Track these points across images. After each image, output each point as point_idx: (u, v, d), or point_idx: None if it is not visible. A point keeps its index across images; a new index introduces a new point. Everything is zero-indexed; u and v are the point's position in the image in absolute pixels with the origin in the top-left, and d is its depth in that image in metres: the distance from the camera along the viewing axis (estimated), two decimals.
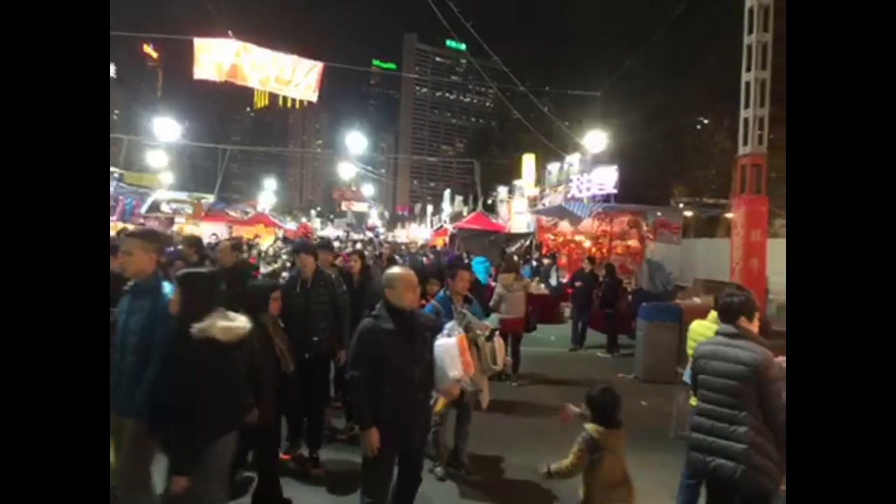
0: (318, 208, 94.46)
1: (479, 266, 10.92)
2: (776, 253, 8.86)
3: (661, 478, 4.32)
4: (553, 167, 22.81)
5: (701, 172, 26.95)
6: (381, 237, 38.18)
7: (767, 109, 8.27)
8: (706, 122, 27.42)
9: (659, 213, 13.71)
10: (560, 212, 15.19)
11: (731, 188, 11.10)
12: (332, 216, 79.21)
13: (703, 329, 4.32)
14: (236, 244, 6.26)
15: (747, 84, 8.33)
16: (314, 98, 14.49)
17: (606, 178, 15.51)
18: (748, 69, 8.30)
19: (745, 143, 8.35)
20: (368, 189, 79.86)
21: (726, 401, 2.87)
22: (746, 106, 8.33)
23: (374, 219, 75.51)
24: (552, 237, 16.19)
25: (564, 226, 15.42)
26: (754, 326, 3.03)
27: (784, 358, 2.24)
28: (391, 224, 73.93)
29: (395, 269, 3.39)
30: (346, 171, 49.05)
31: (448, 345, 3.30)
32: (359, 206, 68.49)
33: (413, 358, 3.14)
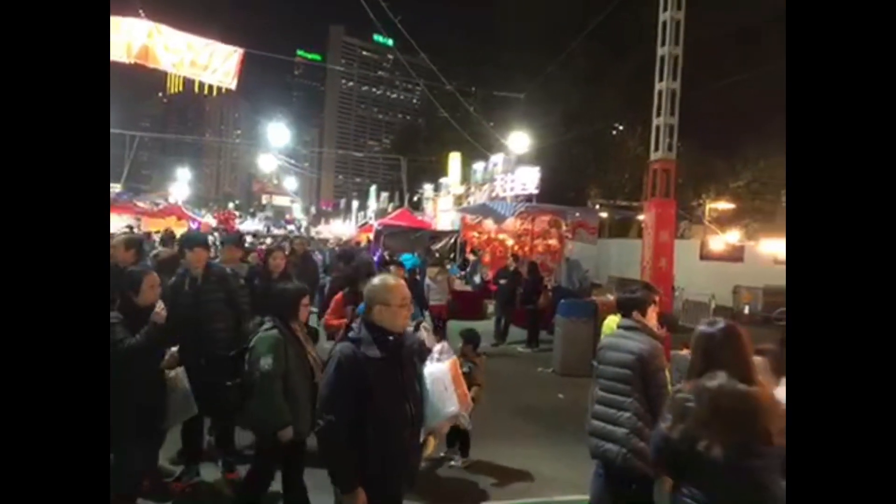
0: (237, 201, 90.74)
1: (406, 263, 10.92)
2: (682, 253, 9.56)
3: (580, 467, 4.41)
4: (478, 166, 23.20)
5: (616, 176, 28.37)
6: (300, 232, 37.18)
7: (677, 118, 8.82)
8: (621, 128, 28.90)
9: (577, 214, 14.31)
10: (484, 210, 15.48)
11: (643, 191, 11.77)
12: (251, 209, 76.26)
13: (614, 324, 4.55)
14: (131, 240, 5.17)
15: (659, 93, 8.84)
16: (232, 85, 13.82)
17: (529, 179, 15.97)
18: (660, 79, 8.81)
19: (657, 149, 8.86)
20: (291, 183, 77.57)
21: (616, 388, 3.06)
22: (658, 114, 8.84)
23: (297, 213, 73.42)
24: (476, 235, 16.46)
25: (488, 224, 15.72)
26: (650, 320, 3.23)
27: (689, 351, 2.36)
28: (315, 219, 72.27)
29: (386, 280, 2.60)
30: (266, 163, 47.41)
31: (440, 373, 2.77)
32: (280, 200, 66.43)
33: (403, 392, 2.49)
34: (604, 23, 16.51)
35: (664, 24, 8.72)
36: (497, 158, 20.91)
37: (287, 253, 7.19)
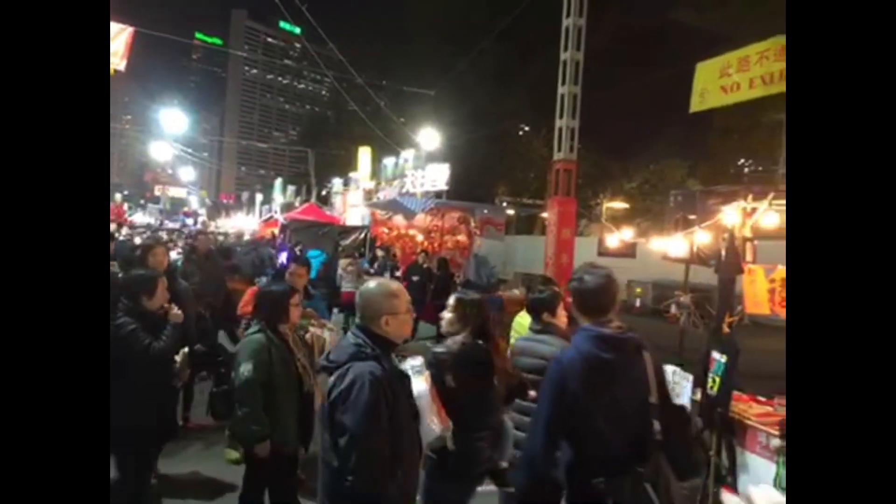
0: (126, 192, 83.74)
1: (315, 260, 10.69)
2: (582, 249, 10.06)
3: None
4: (389, 161, 23.07)
5: (522, 175, 29.34)
6: (199, 226, 35.06)
7: (578, 121, 9.28)
8: (527, 128, 29.93)
9: (485, 211, 14.65)
10: (395, 206, 15.43)
11: (547, 190, 12.27)
12: (143, 201, 70.77)
13: (523, 320, 4.67)
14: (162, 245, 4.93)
15: (562, 96, 9.25)
16: (121, 66, 12.72)
17: (439, 175, 16.12)
18: (563, 83, 9.21)
19: (559, 150, 9.27)
20: (188, 173, 72.89)
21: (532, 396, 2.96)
22: (560, 116, 9.25)
23: (194, 206, 69.18)
24: (386, 231, 16.37)
25: (399, 220, 15.69)
26: (560, 320, 3.21)
27: None
28: (214, 212, 68.36)
29: (387, 285, 2.27)
30: (160, 151, 44.20)
31: (423, 391, 2.43)
32: (175, 192, 62.20)
33: (413, 411, 2.22)
34: (513, 25, 16.98)
35: (567, 29, 9.12)
36: (408, 154, 20.91)
37: (190, 250, 6.58)
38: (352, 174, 26.68)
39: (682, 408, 2.56)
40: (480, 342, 2.87)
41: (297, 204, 29.18)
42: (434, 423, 2.34)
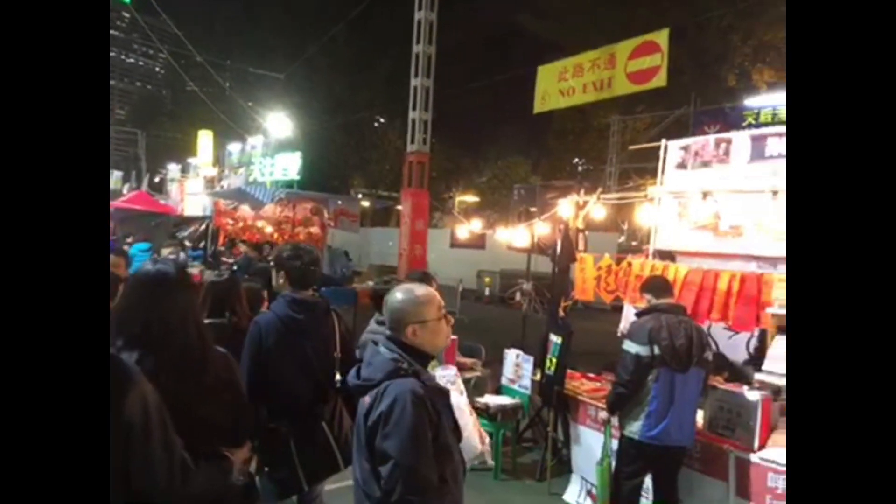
0: None
1: (143, 254, 9.59)
2: (435, 241, 10.35)
3: None
4: (234, 147, 21.50)
5: (378, 166, 29.28)
6: None
7: (430, 114, 9.43)
8: (383, 120, 29.89)
9: (339, 202, 14.31)
10: (241, 195, 14.45)
11: (402, 182, 12.37)
12: None
13: None
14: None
15: (415, 89, 9.34)
16: None
17: (290, 164, 15.41)
18: (416, 75, 9.30)
19: (412, 142, 9.36)
20: None
21: None
22: (414, 108, 9.34)
23: None
24: (231, 222, 15.28)
25: (245, 210, 14.73)
26: None
27: None
28: None
29: (412, 292, 2.01)
30: None
31: (461, 402, 2.24)
32: None
33: (455, 427, 1.99)
34: (368, 14, 16.75)
35: (419, 22, 9.21)
36: (255, 141, 19.68)
37: None
38: (191, 160, 24.45)
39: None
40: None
41: (124, 192, 26.00)
42: (474, 439, 2.15)
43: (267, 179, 16.19)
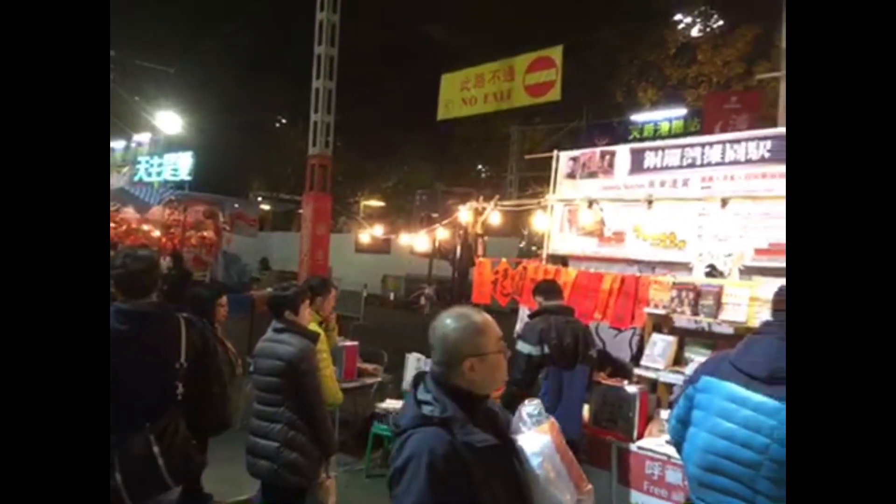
0: None
1: None
2: (339, 246, 10.17)
3: (229, 474, 3.87)
4: (118, 144, 19.85)
5: (279, 168, 28.27)
6: None
7: (333, 117, 9.28)
8: (284, 121, 28.94)
9: (236, 205, 13.66)
10: (125, 196, 13.35)
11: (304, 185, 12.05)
12: None
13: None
14: None
15: (317, 91, 9.15)
16: None
17: (181, 164, 14.51)
18: (318, 77, 9.12)
19: (314, 144, 9.16)
20: None
21: (269, 398, 2.93)
22: (315, 110, 9.14)
23: None
24: (114, 224, 14.08)
25: (129, 212, 13.65)
26: (303, 318, 3.13)
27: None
28: None
29: (469, 317, 1.63)
30: None
31: (547, 449, 1.65)
32: None
33: (517, 489, 1.60)
34: (269, 13, 16.16)
35: (321, 24, 9.05)
36: (142, 138, 18.31)
37: None
38: None
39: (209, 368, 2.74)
40: None
41: None
42: (567, 489, 1.62)
43: (154, 179, 15.12)
